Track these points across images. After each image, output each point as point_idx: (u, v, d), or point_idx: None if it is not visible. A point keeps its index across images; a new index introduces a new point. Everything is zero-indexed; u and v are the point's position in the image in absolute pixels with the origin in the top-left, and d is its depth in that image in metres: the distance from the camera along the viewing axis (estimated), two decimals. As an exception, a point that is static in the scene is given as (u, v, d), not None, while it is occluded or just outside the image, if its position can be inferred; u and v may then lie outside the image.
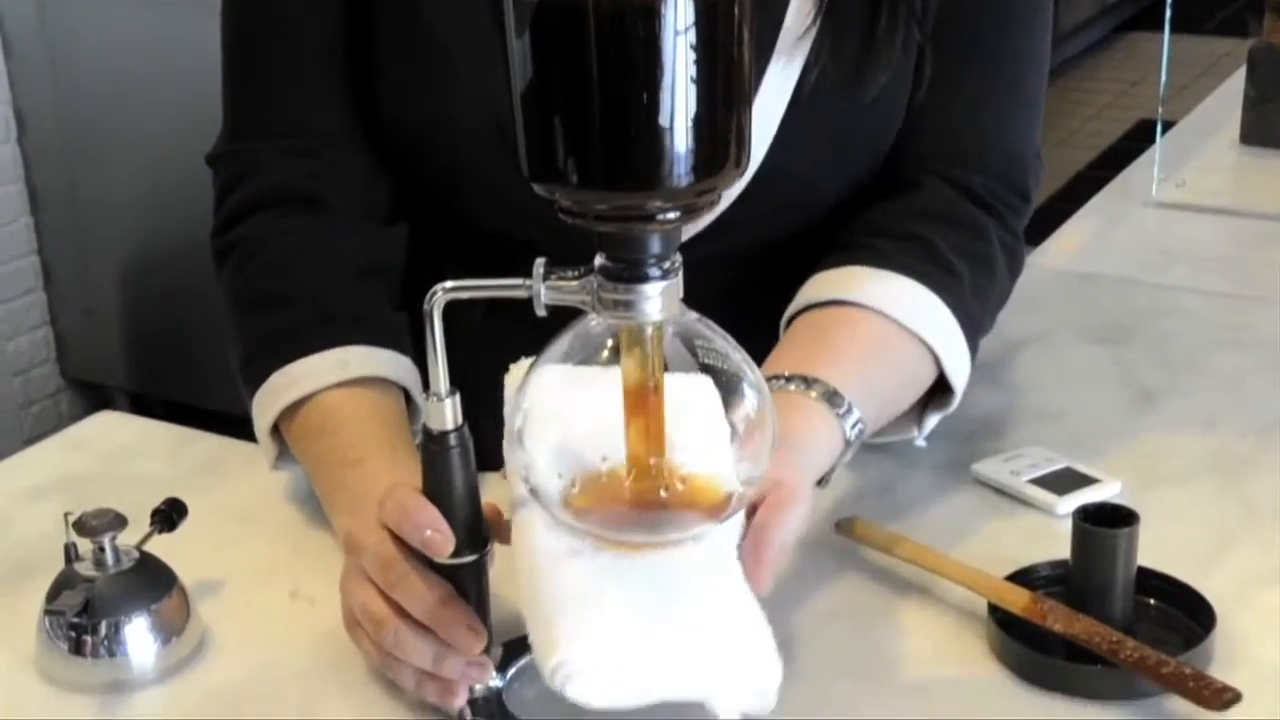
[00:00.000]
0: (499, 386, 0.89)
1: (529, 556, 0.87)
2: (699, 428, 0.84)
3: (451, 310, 0.85)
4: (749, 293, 1.15)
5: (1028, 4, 1.18)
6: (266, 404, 1.08)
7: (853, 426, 1.04)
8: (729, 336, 0.85)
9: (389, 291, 1.15)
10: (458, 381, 0.87)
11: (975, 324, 1.15)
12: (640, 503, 0.84)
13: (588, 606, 0.84)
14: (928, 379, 1.13)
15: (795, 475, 0.95)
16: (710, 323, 0.84)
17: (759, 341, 1.02)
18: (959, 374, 1.13)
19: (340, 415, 1.06)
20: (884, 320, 1.10)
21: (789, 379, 1.04)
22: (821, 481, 1.03)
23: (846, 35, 1.11)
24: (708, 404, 0.84)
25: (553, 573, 0.85)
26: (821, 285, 1.12)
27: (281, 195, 1.15)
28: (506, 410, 0.86)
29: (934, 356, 1.11)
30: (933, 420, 1.16)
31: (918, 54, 1.14)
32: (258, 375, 1.09)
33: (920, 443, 1.17)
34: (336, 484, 1.03)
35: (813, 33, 1.11)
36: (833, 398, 1.03)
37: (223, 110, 1.20)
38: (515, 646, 0.95)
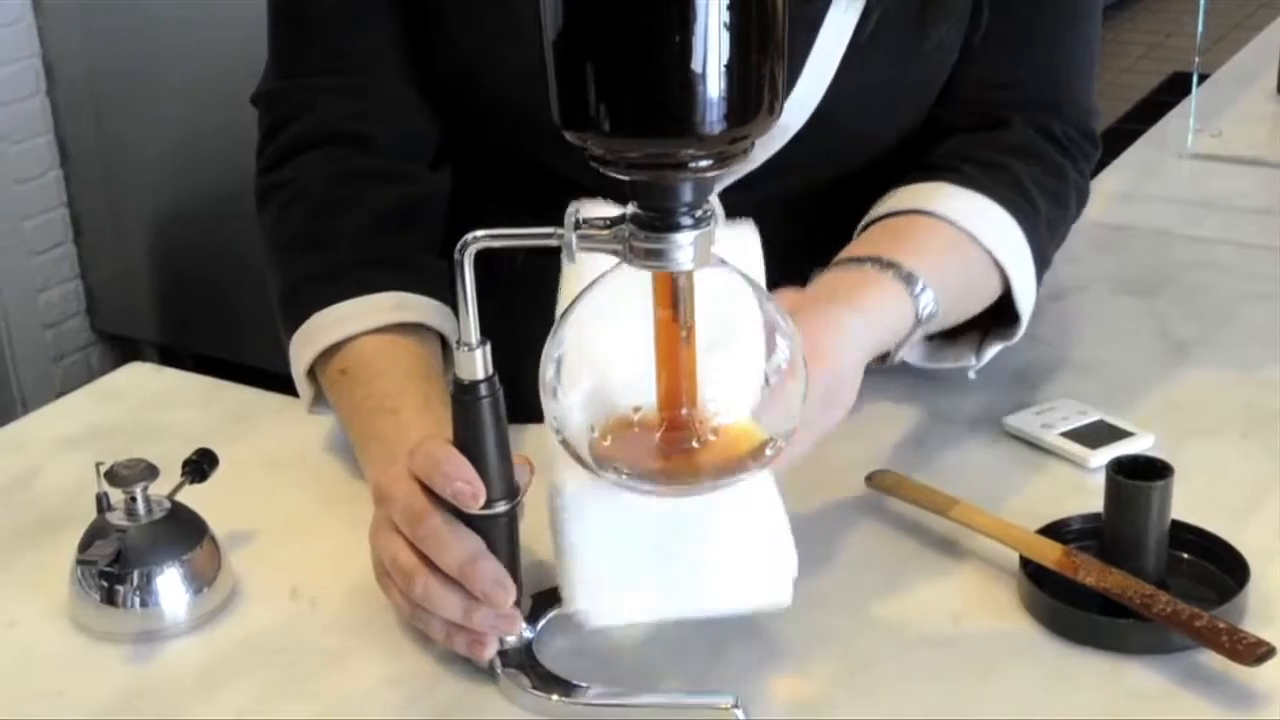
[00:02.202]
0: (535, 333, 0.88)
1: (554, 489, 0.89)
2: (734, 371, 0.84)
3: (491, 255, 0.85)
4: (799, 239, 1.15)
5: None
6: (304, 346, 1.08)
7: (925, 306, 1.04)
8: (761, 285, 0.84)
9: (432, 237, 1.14)
10: (491, 329, 0.87)
11: (1044, 258, 1.16)
12: (671, 454, 0.84)
13: (609, 544, 0.87)
14: (992, 297, 1.13)
15: (828, 339, 0.95)
16: (744, 272, 0.83)
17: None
18: (1026, 302, 1.14)
19: (377, 363, 1.05)
20: (961, 233, 1.10)
21: (863, 259, 1.04)
22: (885, 359, 1.04)
23: None
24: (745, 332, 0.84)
25: (580, 506, 0.88)
26: (902, 197, 1.13)
27: (328, 136, 1.14)
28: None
29: (1003, 279, 1.12)
30: (993, 349, 1.16)
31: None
32: (296, 316, 1.09)
33: (972, 374, 1.17)
34: (369, 433, 1.03)
35: None
36: (908, 278, 1.04)
37: (268, 48, 1.19)
38: (545, 598, 0.95)
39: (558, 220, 0.81)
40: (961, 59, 1.18)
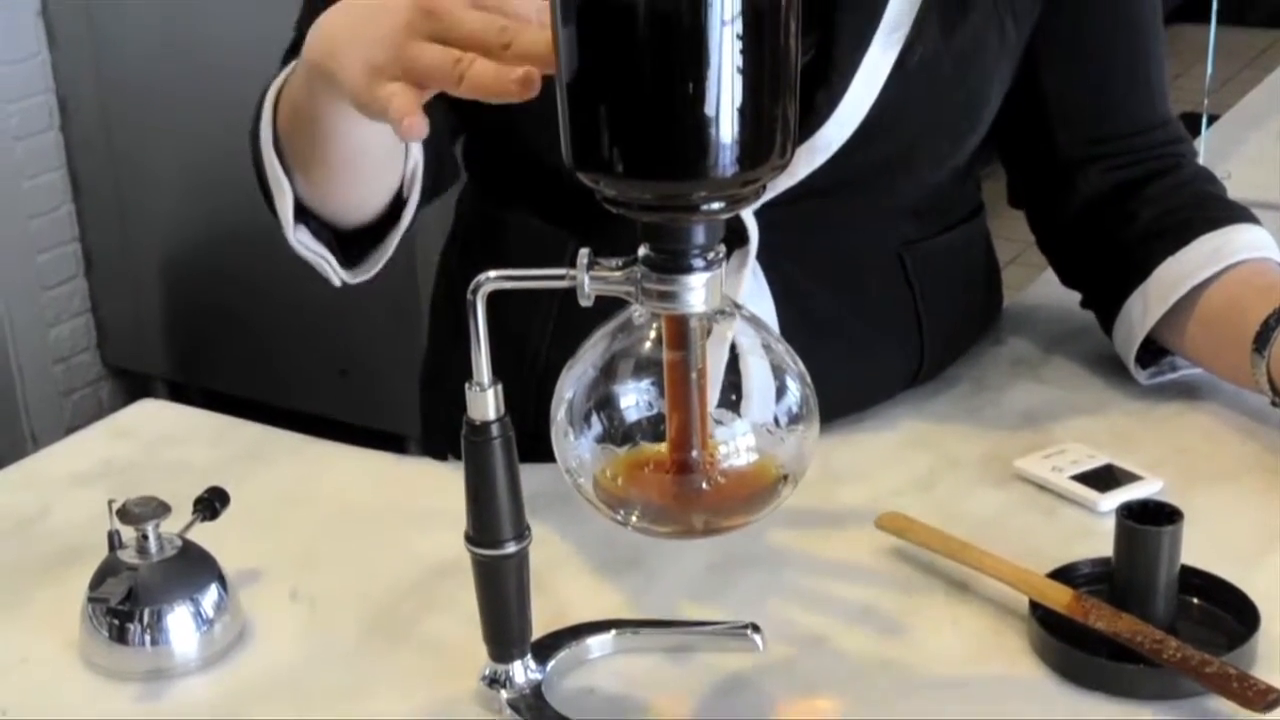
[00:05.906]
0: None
1: None
2: (744, 412, 0.84)
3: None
4: (837, 256, 1.16)
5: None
6: (266, 148, 1.06)
7: None
8: (771, 328, 0.85)
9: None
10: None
11: None
12: (682, 496, 0.84)
13: None
14: None
15: None
16: (754, 314, 0.84)
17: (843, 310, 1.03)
18: None
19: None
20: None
21: None
22: None
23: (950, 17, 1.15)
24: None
25: None
26: (1191, 264, 1.22)
27: None
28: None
29: None
30: None
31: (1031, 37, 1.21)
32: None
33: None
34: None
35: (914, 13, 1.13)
36: None
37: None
38: (555, 638, 0.95)
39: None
40: (1094, 115, 1.26)
